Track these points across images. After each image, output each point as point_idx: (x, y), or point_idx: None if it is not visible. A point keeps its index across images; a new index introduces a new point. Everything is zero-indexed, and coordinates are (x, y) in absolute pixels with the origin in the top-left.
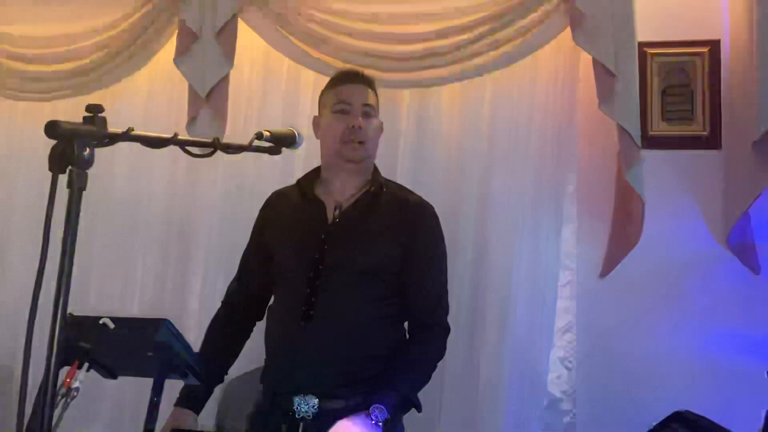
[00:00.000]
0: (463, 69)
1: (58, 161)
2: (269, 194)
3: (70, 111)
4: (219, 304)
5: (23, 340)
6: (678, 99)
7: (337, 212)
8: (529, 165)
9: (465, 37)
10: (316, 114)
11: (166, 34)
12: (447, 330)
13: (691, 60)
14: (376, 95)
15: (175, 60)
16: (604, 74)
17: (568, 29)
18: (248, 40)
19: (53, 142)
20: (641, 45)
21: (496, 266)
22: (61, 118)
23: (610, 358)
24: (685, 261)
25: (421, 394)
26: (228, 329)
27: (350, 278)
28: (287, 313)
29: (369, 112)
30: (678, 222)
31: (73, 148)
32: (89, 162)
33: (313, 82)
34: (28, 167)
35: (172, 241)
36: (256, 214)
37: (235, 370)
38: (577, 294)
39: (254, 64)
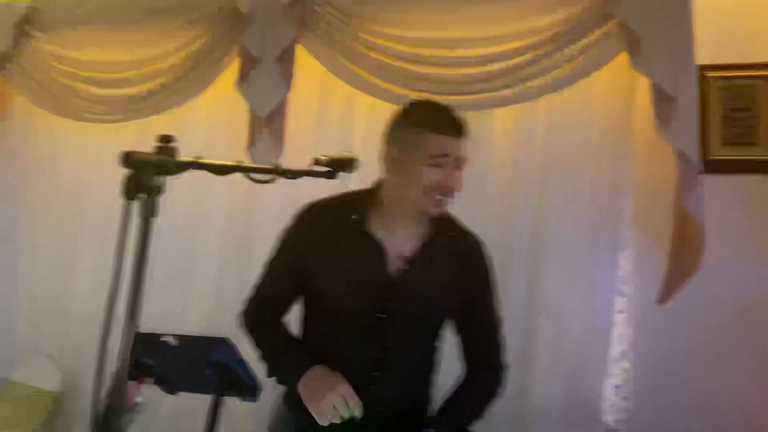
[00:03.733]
0: (516, 93)
1: (131, 189)
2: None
3: (137, 133)
4: None
5: (86, 355)
6: (740, 122)
7: (398, 262)
8: (585, 190)
9: (519, 60)
10: (386, 146)
11: (227, 59)
12: (504, 368)
13: (754, 83)
14: None
15: (236, 84)
16: (662, 98)
17: (625, 52)
18: (306, 65)
19: (118, 160)
20: (701, 68)
21: (550, 292)
22: (128, 140)
23: (666, 388)
24: (747, 290)
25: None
26: (274, 318)
27: (412, 330)
28: (348, 363)
29: (462, 165)
30: (740, 249)
31: (145, 177)
32: (161, 189)
33: (369, 106)
34: (96, 186)
35: (230, 259)
36: None
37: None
38: (633, 321)
39: (311, 88)
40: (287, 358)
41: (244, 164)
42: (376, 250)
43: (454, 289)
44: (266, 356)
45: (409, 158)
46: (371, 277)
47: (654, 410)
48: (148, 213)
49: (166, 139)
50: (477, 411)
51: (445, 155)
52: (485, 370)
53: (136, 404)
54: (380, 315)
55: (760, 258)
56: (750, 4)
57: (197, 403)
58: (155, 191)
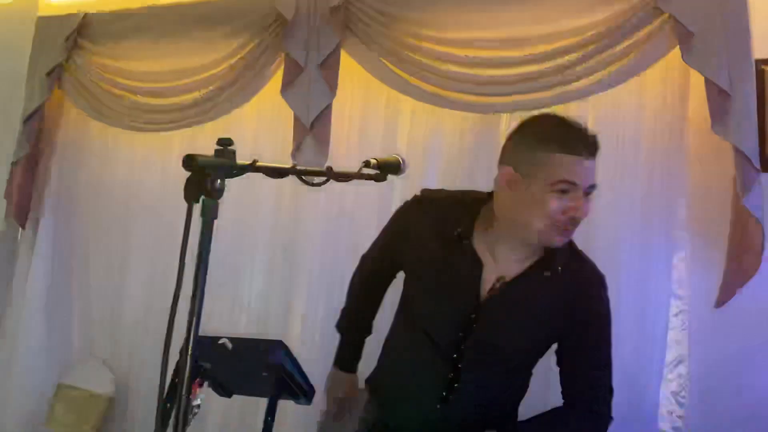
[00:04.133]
0: (566, 91)
1: (193, 191)
2: (367, 220)
3: (185, 141)
4: (320, 325)
5: (139, 359)
6: None
7: (496, 285)
8: (637, 190)
9: (568, 59)
10: (507, 167)
11: (273, 66)
12: (604, 417)
13: None
14: None
15: (281, 91)
16: (717, 94)
17: (677, 48)
18: (350, 70)
19: (170, 170)
20: (759, 62)
21: None
22: (176, 148)
23: (725, 394)
24: None
25: None
26: (373, 280)
27: (492, 358)
28: (421, 382)
29: (591, 192)
30: None
31: (206, 179)
32: (221, 192)
33: (411, 110)
34: (145, 194)
35: (277, 263)
36: (355, 238)
37: None
38: (690, 325)
39: (355, 93)
40: (345, 341)
41: (298, 167)
42: (474, 267)
43: (554, 325)
44: (342, 319)
45: (532, 182)
46: (461, 294)
47: (711, 416)
48: (210, 215)
49: (225, 142)
50: None
51: (572, 182)
52: (581, 412)
53: (193, 407)
54: (461, 335)
55: None
56: None
57: (245, 405)
58: (216, 193)
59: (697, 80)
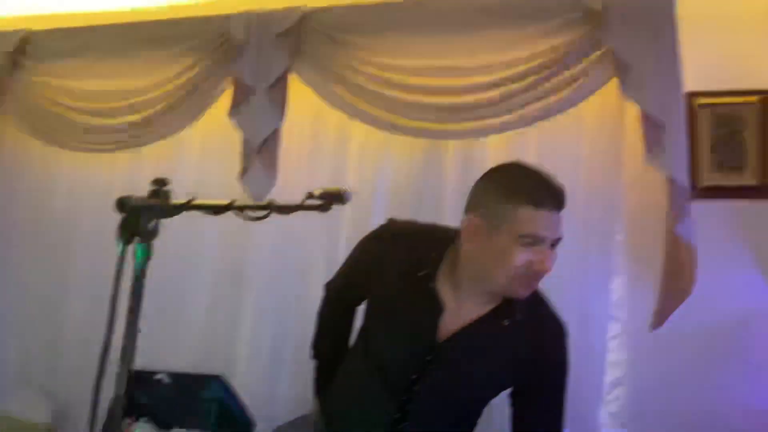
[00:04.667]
0: (510, 120)
1: (126, 233)
2: (316, 245)
3: (130, 163)
4: (268, 351)
5: (78, 388)
6: (728, 149)
7: (451, 329)
8: (577, 215)
9: (511, 88)
10: (470, 214)
11: (220, 88)
12: None
13: (741, 109)
14: None
15: (229, 113)
16: (650, 125)
17: (614, 80)
18: (300, 93)
19: (113, 193)
20: (690, 95)
21: None
22: (119, 170)
23: (662, 414)
24: (739, 314)
25: None
26: (340, 307)
27: (443, 403)
28: (366, 420)
29: (557, 245)
30: (731, 274)
31: (139, 221)
32: (155, 233)
33: (363, 134)
34: (88, 217)
35: (223, 289)
36: (304, 263)
37: (282, 412)
38: (628, 347)
39: (305, 117)
40: (320, 370)
41: (237, 202)
42: (434, 309)
43: (510, 374)
44: (314, 348)
45: (498, 233)
46: (420, 335)
47: None
48: (143, 257)
49: (160, 182)
50: None
51: (539, 237)
52: None
53: None
54: (414, 376)
55: (749, 282)
56: (736, 30)
57: None
58: (150, 235)
59: (632, 111)
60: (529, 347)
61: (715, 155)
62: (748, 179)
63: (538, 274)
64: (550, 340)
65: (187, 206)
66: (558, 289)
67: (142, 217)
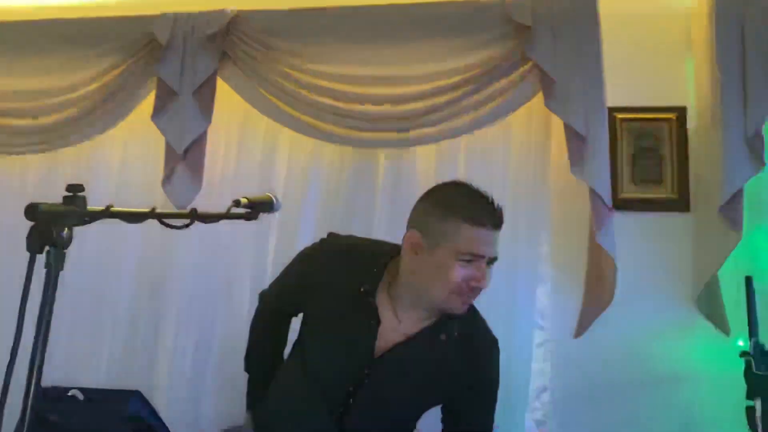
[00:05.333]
0: (438, 131)
1: (36, 242)
2: (242, 257)
3: (46, 164)
4: (190, 363)
5: None
6: (647, 163)
7: (386, 345)
8: (504, 225)
9: (440, 100)
10: (414, 230)
11: (144, 90)
12: None
13: (660, 125)
14: None
15: (152, 117)
16: (574, 138)
17: (540, 94)
18: (227, 98)
19: (26, 198)
20: (611, 110)
21: None
22: (32, 174)
23: (587, 421)
24: (656, 322)
25: None
26: (274, 318)
27: (379, 416)
28: (302, 424)
29: (493, 263)
30: (649, 283)
31: (51, 229)
32: (68, 242)
33: (291, 140)
34: None
35: (143, 301)
36: (230, 274)
37: (227, 422)
38: (552, 355)
39: (232, 122)
40: (253, 381)
41: (158, 210)
42: (372, 323)
43: (444, 387)
44: (247, 359)
45: (437, 250)
46: (357, 349)
47: None
48: (55, 265)
49: (74, 188)
50: None
51: (477, 255)
52: None
53: None
54: (351, 389)
55: (668, 292)
56: (656, 50)
57: None
58: (62, 243)
59: (558, 124)
60: (464, 362)
61: (635, 169)
62: (666, 192)
63: (475, 291)
64: (484, 356)
65: (105, 214)
66: (484, 296)
67: (54, 225)
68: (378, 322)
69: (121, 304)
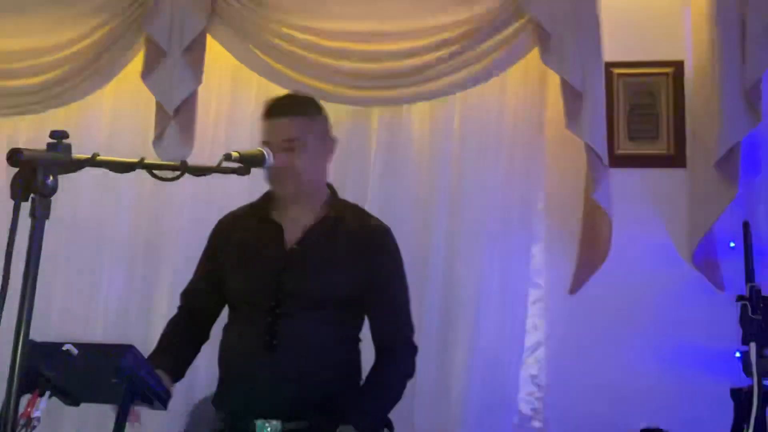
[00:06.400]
0: (432, 88)
1: (20, 189)
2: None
3: (34, 127)
4: None
5: None
6: (643, 118)
7: (294, 239)
8: (499, 184)
9: (434, 56)
10: None
11: (133, 49)
12: (414, 349)
13: (656, 80)
14: (312, 120)
15: (142, 76)
16: (571, 94)
17: (536, 49)
18: (217, 56)
19: (6, 158)
20: (608, 65)
21: (465, 284)
22: (23, 134)
23: (580, 375)
24: (651, 278)
25: (392, 413)
26: (184, 328)
27: (310, 305)
28: (247, 339)
29: (293, 146)
30: (645, 239)
31: (35, 176)
32: (53, 189)
33: None
34: None
35: (138, 259)
36: None
37: (200, 393)
38: (546, 311)
39: (223, 81)
40: (152, 355)
41: (147, 161)
42: (273, 229)
43: (351, 265)
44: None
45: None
46: (267, 254)
47: (568, 398)
48: (40, 214)
49: (59, 134)
50: (394, 393)
51: (266, 141)
52: (397, 349)
53: (32, 419)
54: (275, 285)
55: (662, 246)
56: (654, 4)
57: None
58: (47, 191)
59: (554, 80)
60: (360, 242)
61: (631, 125)
62: (662, 148)
63: (280, 171)
64: (376, 234)
65: (90, 162)
66: (480, 255)
67: (38, 171)
68: (280, 227)
69: (117, 264)
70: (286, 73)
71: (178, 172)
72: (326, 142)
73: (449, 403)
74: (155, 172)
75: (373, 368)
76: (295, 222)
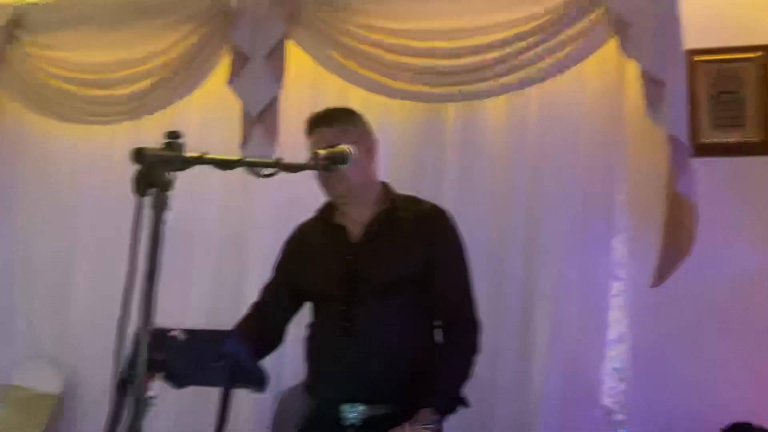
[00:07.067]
0: (508, 82)
1: (142, 184)
2: (314, 211)
3: (130, 133)
4: None
5: (86, 357)
6: (728, 105)
7: (358, 234)
8: (578, 175)
9: (509, 50)
10: None
11: (218, 57)
12: (477, 324)
13: (742, 66)
14: (349, 125)
15: (228, 82)
16: (651, 83)
17: (613, 40)
18: (298, 60)
19: (113, 164)
20: (689, 52)
21: (546, 278)
22: (119, 141)
23: (663, 370)
24: (738, 271)
25: (471, 408)
26: (255, 327)
27: (380, 290)
28: (327, 329)
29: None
30: (731, 230)
31: (155, 172)
32: (170, 184)
33: (361, 99)
34: (89, 187)
35: (227, 256)
36: None
37: (288, 382)
38: (629, 305)
39: (303, 84)
40: None
41: (247, 159)
42: (338, 231)
43: (412, 249)
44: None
45: None
46: (336, 250)
47: (651, 392)
48: (160, 207)
49: (173, 135)
50: (462, 370)
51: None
52: (460, 325)
53: (148, 399)
54: (346, 272)
55: (750, 238)
56: None
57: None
58: (166, 186)
59: (633, 69)
60: (419, 223)
61: (715, 112)
62: (748, 135)
63: (326, 177)
64: (434, 218)
65: (200, 160)
66: (561, 249)
67: (157, 167)
68: (343, 228)
69: (206, 259)
70: (364, 73)
71: (273, 170)
72: (366, 143)
73: (529, 397)
74: (254, 168)
75: (440, 347)
76: (356, 221)
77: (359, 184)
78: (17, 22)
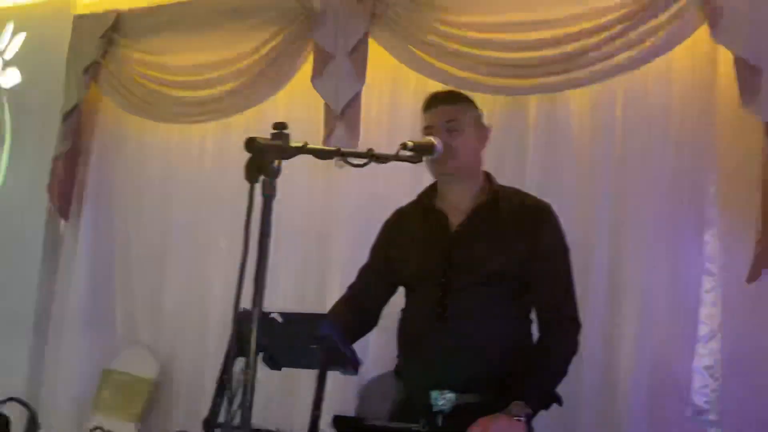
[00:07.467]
0: (594, 72)
1: (253, 172)
2: (399, 204)
3: (220, 131)
4: None
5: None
6: None
7: (458, 221)
8: (667, 167)
9: (595, 40)
10: None
11: (302, 56)
12: (577, 324)
13: None
14: (467, 107)
15: (312, 80)
16: (746, 70)
17: (703, 27)
18: (379, 57)
19: (205, 161)
20: None
21: (633, 273)
22: (210, 139)
23: (758, 367)
24: None
25: (560, 406)
26: (351, 309)
27: (477, 280)
28: (421, 314)
29: (453, 127)
30: None
31: (265, 160)
32: (278, 171)
33: None
34: (182, 183)
35: (310, 250)
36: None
37: (373, 371)
38: (722, 300)
39: (384, 80)
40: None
41: (342, 150)
42: (438, 216)
43: (513, 241)
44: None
45: None
46: (435, 236)
47: (744, 390)
48: (269, 193)
49: (280, 126)
50: (559, 369)
51: (429, 126)
52: (561, 324)
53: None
54: (445, 262)
55: None
56: None
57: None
58: (274, 173)
59: (725, 57)
60: (522, 218)
61: None
62: None
63: (439, 154)
64: (539, 213)
65: (303, 150)
66: (650, 242)
67: (266, 156)
68: (444, 213)
69: (292, 255)
70: (444, 68)
71: (365, 160)
72: (480, 129)
73: (616, 394)
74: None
75: (537, 344)
76: (457, 207)
77: (468, 166)
78: (116, 28)
